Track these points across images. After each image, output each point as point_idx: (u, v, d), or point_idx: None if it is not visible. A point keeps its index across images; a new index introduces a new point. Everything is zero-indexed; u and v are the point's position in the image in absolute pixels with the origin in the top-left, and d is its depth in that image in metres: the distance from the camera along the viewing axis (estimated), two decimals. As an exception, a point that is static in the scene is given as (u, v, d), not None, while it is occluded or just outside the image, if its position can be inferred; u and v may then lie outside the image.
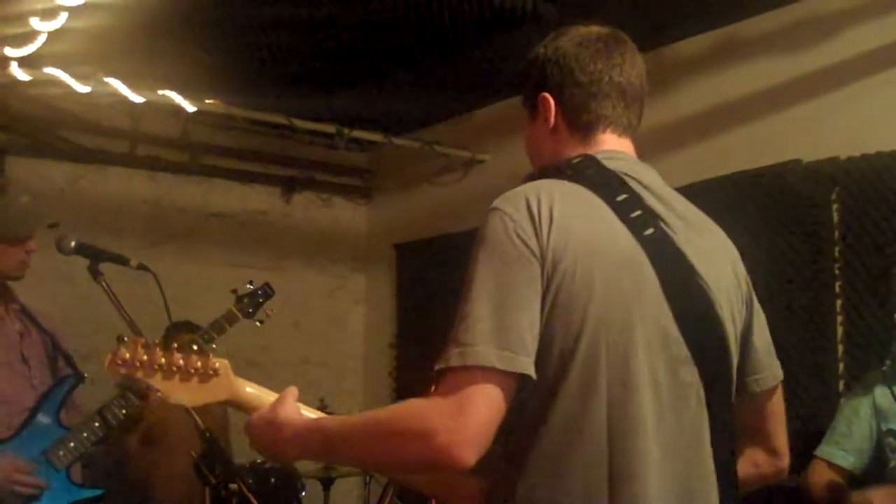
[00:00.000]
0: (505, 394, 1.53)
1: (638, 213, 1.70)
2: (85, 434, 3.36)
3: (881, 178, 4.00)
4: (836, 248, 4.12)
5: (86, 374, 3.57)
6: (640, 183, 1.76)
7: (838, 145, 4.15)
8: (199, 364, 1.88)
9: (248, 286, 3.85)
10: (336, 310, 6.75)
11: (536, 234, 1.59)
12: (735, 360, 1.80)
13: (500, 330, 1.53)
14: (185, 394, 1.89)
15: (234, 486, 3.57)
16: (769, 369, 1.93)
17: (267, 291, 3.89)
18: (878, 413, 3.15)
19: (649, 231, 1.69)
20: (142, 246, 5.32)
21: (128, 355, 1.86)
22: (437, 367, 1.56)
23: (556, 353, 1.58)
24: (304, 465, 4.81)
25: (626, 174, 1.75)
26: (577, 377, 1.58)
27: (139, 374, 1.87)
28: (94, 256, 3.32)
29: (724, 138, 4.61)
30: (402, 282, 6.53)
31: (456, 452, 1.49)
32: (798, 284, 4.19)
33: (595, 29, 1.86)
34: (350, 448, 1.67)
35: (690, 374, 1.68)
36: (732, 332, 1.77)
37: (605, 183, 1.72)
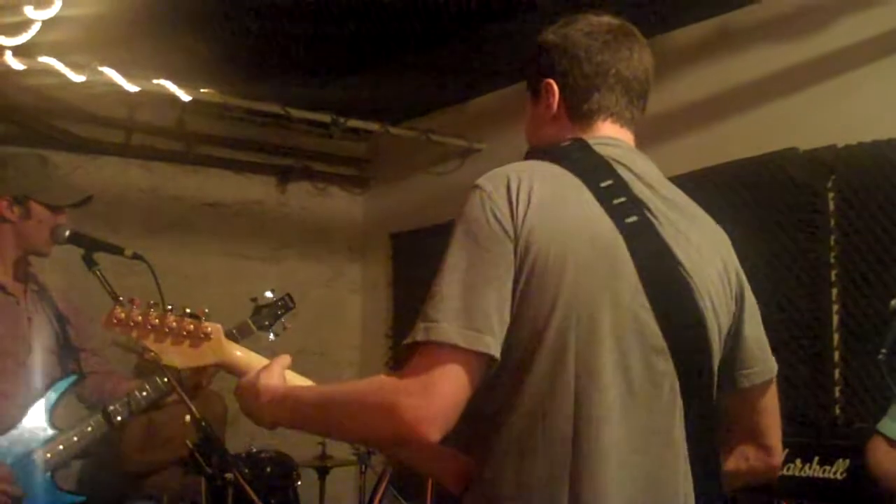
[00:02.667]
0: (470, 373, 1.54)
1: (622, 199, 1.68)
2: (76, 438, 3.27)
3: (878, 167, 3.99)
4: (832, 237, 4.12)
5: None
6: (630, 170, 1.74)
7: (835, 133, 4.14)
8: (191, 327, 1.91)
9: (267, 295, 3.80)
10: (332, 300, 6.75)
11: (512, 215, 1.59)
12: (717, 353, 1.76)
13: (466, 308, 1.55)
14: (176, 356, 1.93)
15: (229, 476, 3.57)
16: (761, 364, 1.88)
17: (287, 304, 3.82)
18: None
19: (631, 219, 1.67)
20: (137, 236, 5.31)
21: (123, 315, 1.92)
22: (404, 342, 1.58)
23: (525, 336, 1.58)
24: (300, 454, 4.81)
25: (616, 160, 1.74)
26: (545, 361, 1.58)
27: (133, 334, 1.93)
28: (89, 246, 3.29)
29: (721, 127, 4.60)
30: (398, 271, 6.52)
31: (420, 428, 1.51)
32: (794, 272, 4.19)
33: (606, 19, 1.84)
34: (321, 418, 1.72)
35: (664, 364, 1.65)
36: (715, 325, 1.74)
37: (591, 167, 1.71)
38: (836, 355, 4.07)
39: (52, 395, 3.30)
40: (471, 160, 6.04)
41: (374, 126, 6.02)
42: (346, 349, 6.78)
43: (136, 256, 3.34)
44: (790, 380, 4.15)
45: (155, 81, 4.92)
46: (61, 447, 3.24)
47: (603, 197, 1.67)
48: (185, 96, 5.08)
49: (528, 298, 1.58)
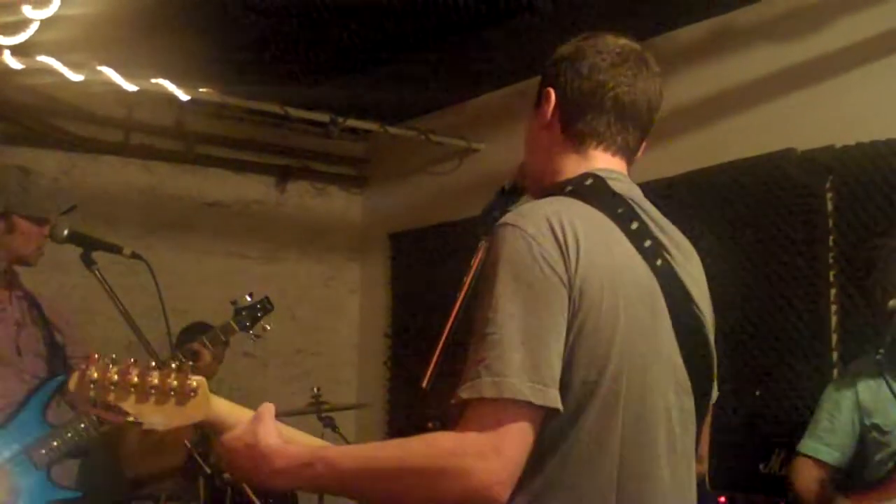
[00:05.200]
0: (536, 427, 1.50)
1: (648, 242, 1.69)
2: (70, 434, 3.28)
3: (875, 167, 4.00)
4: (831, 237, 4.12)
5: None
6: (642, 209, 1.75)
7: (833, 134, 4.14)
8: (175, 383, 1.73)
9: (247, 298, 3.85)
10: (331, 300, 6.75)
11: (564, 261, 1.55)
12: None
13: (533, 361, 1.49)
14: (160, 417, 1.73)
15: (227, 476, 3.56)
16: (714, 386, 1.89)
17: (266, 306, 3.89)
18: (862, 407, 3.13)
19: (658, 262, 1.68)
20: (136, 235, 5.31)
21: (96, 375, 1.69)
22: (467, 396, 1.50)
23: (577, 384, 1.55)
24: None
25: (631, 199, 1.74)
26: (597, 410, 1.56)
27: (110, 398, 1.70)
28: (87, 245, 3.30)
29: (719, 127, 4.60)
30: (396, 271, 6.52)
31: (493, 492, 1.46)
32: (792, 273, 4.19)
33: (622, 42, 1.82)
34: (365, 484, 1.58)
35: (689, 402, 1.70)
36: (715, 357, 1.79)
37: (617, 208, 1.70)
38: (835, 356, 4.07)
39: (44, 394, 3.31)
40: (469, 160, 6.04)
41: (372, 126, 6.01)
42: (344, 349, 6.77)
43: (134, 256, 3.35)
44: (789, 380, 4.16)
45: (153, 81, 4.91)
46: (56, 443, 3.25)
47: (635, 240, 1.67)
48: (183, 96, 5.07)
49: (581, 347, 1.54)
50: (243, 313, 3.83)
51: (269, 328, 3.90)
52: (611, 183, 1.73)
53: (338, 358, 6.69)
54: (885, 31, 4.01)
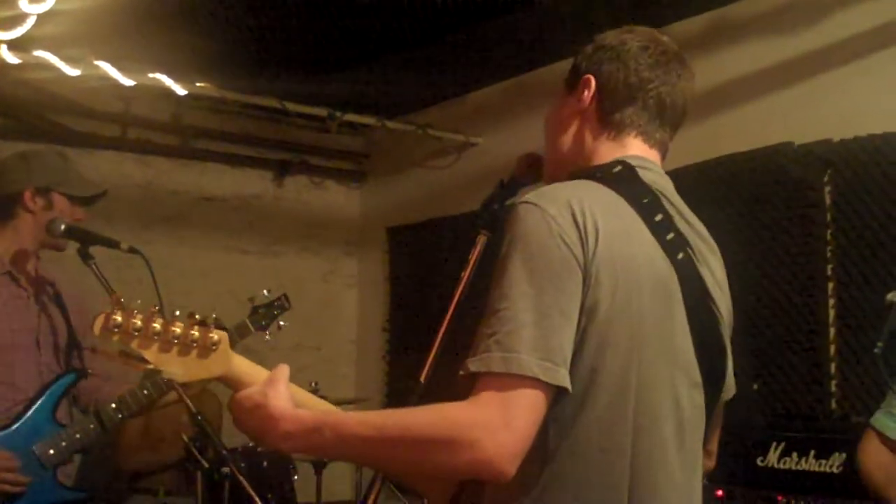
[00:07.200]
0: (545, 405, 1.50)
1: (671, 235, 1.69)
2: (78, 435, 3.28)
3: (873, 161, 3.99)
4: (829, 231, 4.12)
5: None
6: (669, 200, 1.75)
7: (831, 127, 4.14)
8: (196, 335, 1.72)
9: (264, 293, 3.82)
10: (329, 294, 6.75)
11: (582, 244, 1.55)
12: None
13: (544, 339, 1.49)
14: (179, 368, 1.72)
15: (225, 470, 3.56)
16: (731, 380, 1.91)
17: (283, 304, 3.85)
18: None
19: (680, 255, 1.68)
20: (133, 230, 5.29)
21: (121, 320, 1.66)
22: (475, 369, 1.50)
23: (586, 370, 1.54)
24: (297, 449, 4.80)
25: (658, 190, 1.74)
26: (606, 398, 1.56)
27: (133, 343, 1.68)
28: (85, 239, 3.29)
29: (717, 121, 4.59)
30: (395, 265, 6.52)
31: (498, 464, 1.46)
32: (790, 267, 4.19)
33: (665, 39, 1.86)
34: (372, 452, 1.59)
35: (699, 397, 1.70)
36: (729, 352, 1.80)
37: (643, 199, 1.70)
38: (833, 349, 4.07)
39: (55, 392, 3.31)
40: (467, 154, 6.04)
41: (370, 120, 6.02)
42: (342, 343, 6.77)
43: (132, 250, 3.33)
44: (787, 374, 4.16)
45: (150, 75, 4.91)
46: (64, 444, 3.26)
47: (657, 232, 1.67)
48: (180, 90, 5.07)
49: (592, 332, 1.54)
50: (260, 311, 3.80)
51: (283, 326, 3.88)
52: (640, 172, 1.74)
53: (336, 352, 6.69)
54: (883, 24, 4.01)
